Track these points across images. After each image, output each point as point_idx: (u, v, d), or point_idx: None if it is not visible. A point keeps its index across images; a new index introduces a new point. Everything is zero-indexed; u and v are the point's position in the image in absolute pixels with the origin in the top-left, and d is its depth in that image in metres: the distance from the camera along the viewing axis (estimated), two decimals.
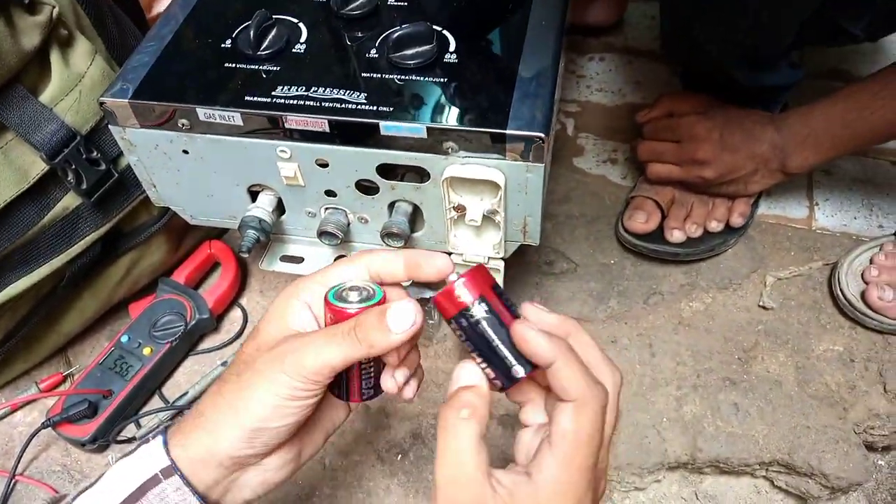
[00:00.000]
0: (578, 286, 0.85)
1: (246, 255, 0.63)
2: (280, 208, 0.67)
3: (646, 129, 0.89)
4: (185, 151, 0.62)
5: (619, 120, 1.05)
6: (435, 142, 0.56)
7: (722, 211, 0.87)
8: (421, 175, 0.60)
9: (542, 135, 0.54)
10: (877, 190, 0.95)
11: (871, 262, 0.84)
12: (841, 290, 0.82)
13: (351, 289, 0.43)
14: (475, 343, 0.40)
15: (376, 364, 0.45)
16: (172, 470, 0.41)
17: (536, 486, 0.36)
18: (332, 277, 0.44)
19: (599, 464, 0.39)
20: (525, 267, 0.87)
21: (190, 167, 0.64)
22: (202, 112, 0.59)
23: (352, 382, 0.45)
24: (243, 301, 0.86)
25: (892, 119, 0.76)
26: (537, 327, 0.38)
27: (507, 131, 0.54)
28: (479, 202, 0.60)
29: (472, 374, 0.40)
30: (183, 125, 0.60)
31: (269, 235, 0.65)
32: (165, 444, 0.42)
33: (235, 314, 0.84)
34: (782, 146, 0.82)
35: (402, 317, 0.39)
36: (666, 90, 0.95)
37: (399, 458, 0.75)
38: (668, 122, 0.86)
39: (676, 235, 0.85)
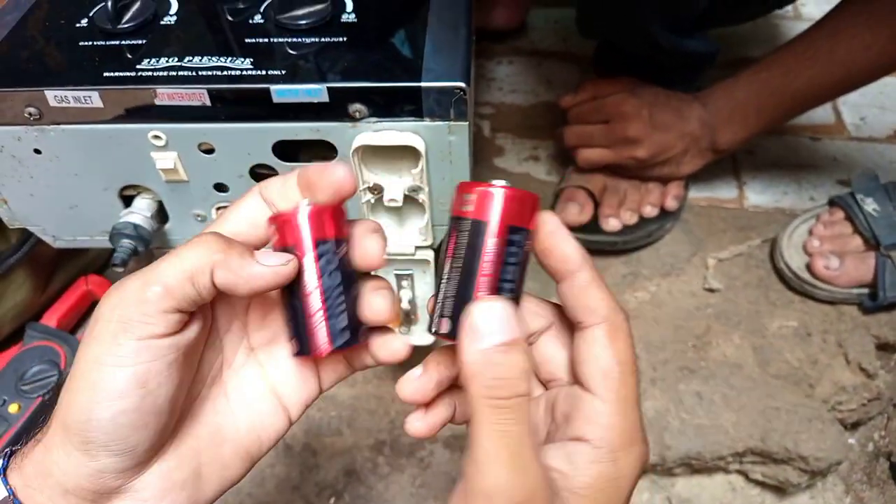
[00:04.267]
0: None
1: (120, 270, 0.52)
2: (162, 215, 0.56)
3: (571, 113, 0.84)
4: (38, 151, 0.52)
5: (535, 118, 1.00)
6: (339, 106, 0.47)
7: (656, 195, 0.82)
8: (327, 153, 0.51)
9: (462, 84, 0.46)
10: (802, 165, 0.93)
11: (810, 233, 0.80)
12: (785, 263, 0.78)
13: None
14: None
15: (341, 290, 0.31)
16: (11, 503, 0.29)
17: (598, 448, 0.28)
18: (230, 223, 0.32)
19: None
20: None
21: (45, 171, 0.53)
22: (52, 95, 0.48)
23: (308, 314, 0.31)
24: None
25: (818, 81, 0.74)
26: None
27: (423, 84, 0.46)
28: (399, 180, 0.52)
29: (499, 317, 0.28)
30: (31, 115, 0.49)
31: (149, 245, 0.54)
32: (4, 469, 0.30)
33: None
34: (710, 123, 0.78)
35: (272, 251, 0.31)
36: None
37: (332, 501, 0.64)
38: (595, 104, 0.81)
39: (612, 224, 0.79)
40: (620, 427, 0.29)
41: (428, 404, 0.33)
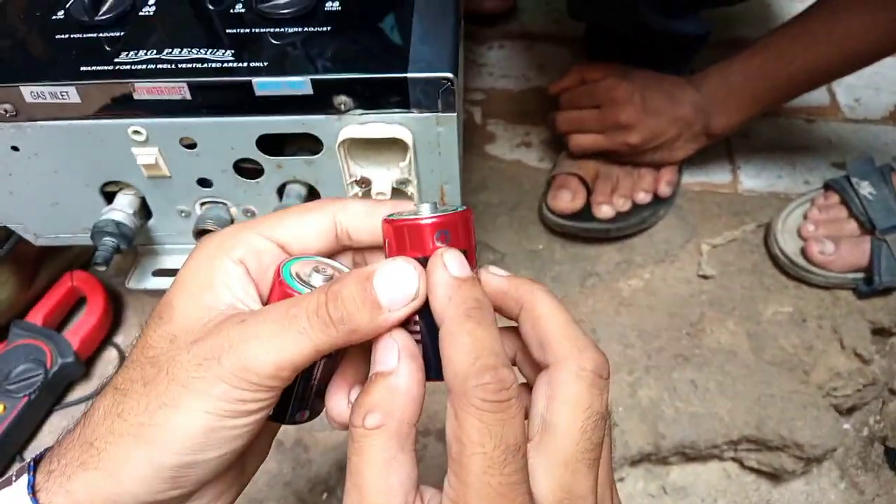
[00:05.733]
0: None
1: (103, 269, 0.51)
2: (145, 210, 0.55)
3: (562, 98, 0.82)
4: (15, 148, 0.50)
5: (527, 104, 0.99)
6: (323, 98, 0.46)
7: (649, 181, 0.81)
8: (312, 146, 0.50)
9: (449, 75, 0.45)
10: (796, 147, 0.92)
11: (805, 217, 0.79)
12: (780, 249, 0.78)
13: (316, 269, 0.29)
14: (421, 313, 0.27)
15: (327, 364, 0.30)
16: None
17: None
18: (281, 230, 0.29)
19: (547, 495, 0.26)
20: None
21: (24, 168, 0.52)
22: (28, 91, 0.47)
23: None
24: (118, 339, 0.72)
25: (814, 65, 0.73)
26: (455, 276, 0.26)
27: (409, 75, 0.45)
28: (387, 173, 0.51)
29: (389, 352, 0.26)
30: (6, 112, 0.48)
31: (132, 243, 0.53)
32: (32, 487, 0.27)
33: (110, 355, 0.71)
34: (704, 107, 0.77)
35: (397, 284, 0.26)
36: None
37: (325, 496, 0.64)
38: (586, 88, 0.80)
39: (605, 211, 0.78)
40: None
41: None
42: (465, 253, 0.27)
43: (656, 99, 0.76)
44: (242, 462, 0.31)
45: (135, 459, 0.26)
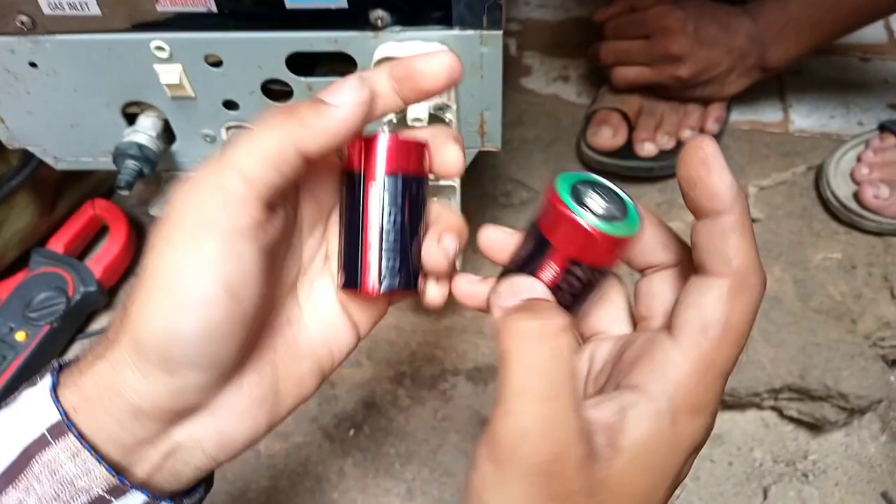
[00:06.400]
0: None
1: (126, 193, 0.48)
2: (168, 134, 0.52)
3: (607, 26, 0.77)
4: (33, 64, 0.48)
5: (565, 35, 0.94)
6: (359, 13, 0.43)
7: (696, 117, 0.77)
8: (346, 66, 0.47)
9: None
10: (851, 86, 0.87)
11: (858, 160, 0.75)
12: (832, 192, 0.74)
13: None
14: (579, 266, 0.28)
15: (405, 229, 0.29)
16: (65, 427, 0.25)
17: (655, 402, 0.25)
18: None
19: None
20: (479, 200, 0.75)
21: (43, 86, 0.49)
22: (46, 2, 0.44)
23: (366, 253, 0.29)
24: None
25: None
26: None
27: None
28: None
29: (531, 287, 0.28)
30: (24, 24, 0.45)
31: (155, 167, 0.50)
32: (55, 387, 0.26)
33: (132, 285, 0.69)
34: (760, 38, 0.72)
35: (341, 85, 0.27)
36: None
37: (352, 433, 0.63)
38: (634, 16, 0.75)
39: (648, 148, 0.74)
40: (692, 389, 0.25)
41: None
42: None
43: (710, 28, 0.71)
44: (274, 378, 0.30)
45: (124, 341, 0.26)
